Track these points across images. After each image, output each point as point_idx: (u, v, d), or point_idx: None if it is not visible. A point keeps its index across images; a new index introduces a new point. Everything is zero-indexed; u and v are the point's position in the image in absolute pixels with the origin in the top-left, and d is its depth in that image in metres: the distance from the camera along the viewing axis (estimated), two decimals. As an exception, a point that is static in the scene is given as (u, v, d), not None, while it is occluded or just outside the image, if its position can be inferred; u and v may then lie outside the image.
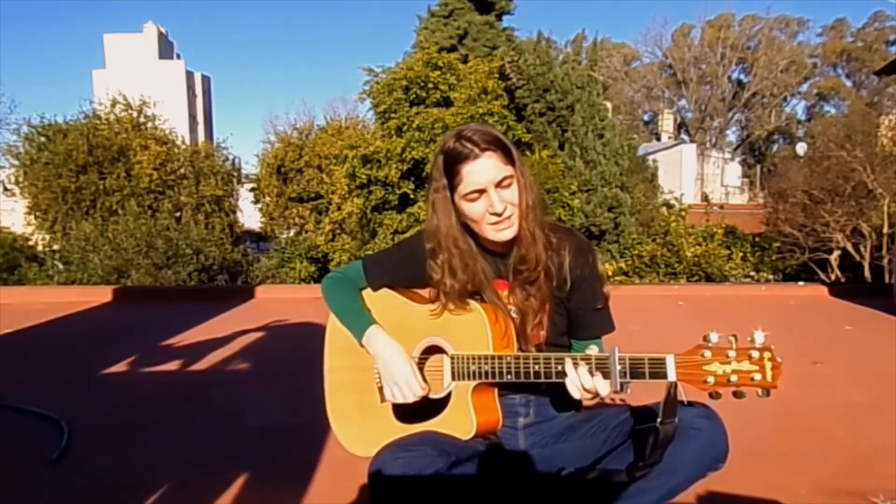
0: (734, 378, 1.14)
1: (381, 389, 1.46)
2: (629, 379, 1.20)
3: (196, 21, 69.22)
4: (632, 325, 4.32)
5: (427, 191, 1.43)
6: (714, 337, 1.15)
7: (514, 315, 1.41)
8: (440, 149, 1.37)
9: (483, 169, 1.31)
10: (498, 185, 1.32)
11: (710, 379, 1.15)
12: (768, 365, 1.13)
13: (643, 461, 1.23)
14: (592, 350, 1.28)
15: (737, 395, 1.15)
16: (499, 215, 1.32)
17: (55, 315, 5.10)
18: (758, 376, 1.13)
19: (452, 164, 1.33)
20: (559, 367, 1.27)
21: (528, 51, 13.11)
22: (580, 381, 1.24)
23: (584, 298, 1.42)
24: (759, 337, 1.14)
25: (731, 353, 1.14)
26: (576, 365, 1.25)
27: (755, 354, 1.13)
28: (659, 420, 1.18)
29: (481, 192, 1.32)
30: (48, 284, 11.32)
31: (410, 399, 1.38)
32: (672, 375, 1.17)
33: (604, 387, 1.23)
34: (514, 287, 1.40)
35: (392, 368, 1.39)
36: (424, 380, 1.40)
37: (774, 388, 1.13)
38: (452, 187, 1.35)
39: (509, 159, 1.34)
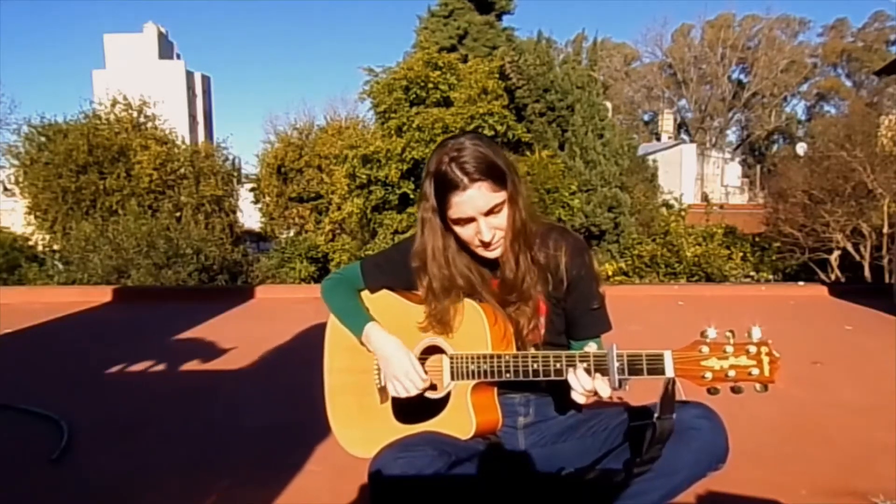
0: (732, 373, 1.14)
1: (381, 390, 1.46)
2: (627, 375, 1.21)
3: (196, 21, 69.26)
4: (632, 326, 4.32)
5: (418, 204, 1.42)
6: (711, 332, 1.15)
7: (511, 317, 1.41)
8: (432, 167, 1.34)
9: (472, 200, 1.30)
10: (487, 213, 1.32)
11: (708, 374, 1.15)
12: (766, 360, 1.13)
13: (640, 457, 1.23)
14: (591, 348, 1.28)
15: (735, 390, 1.15)
16: (487, 244, 1.33)
17: (55, 315, 5.11)
18: (755, 371, 1.13)
19: (443, 190, 1.32)
20: (557, 366, 1.27)
21: (528, 51, 13.10)
22: (582, 387, 1.25)
23: (580, 298, 1.42)
24: (757, 332, 1.14)
25: (729, 349, 1.15)
26: (574, 367, 1.26)
27: (752, 349, 1.14)
28: (656, 416, 1.19)
29: (471, 220, 1.32)
30: (48, 284, 11.31)
31: (413, 392, 1.37)
32: (670, 371, 1.17)
33: (604, 388, 1.24)
34: (505, 305, 1.40)
35: (392, 363, 1.40)
36: (426, 373, 1.40)
37: (772, 383, 1.13)
38: (442, 210, 1.34)
39: (501, 185, 1.32)
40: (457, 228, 1.35)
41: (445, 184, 1.31)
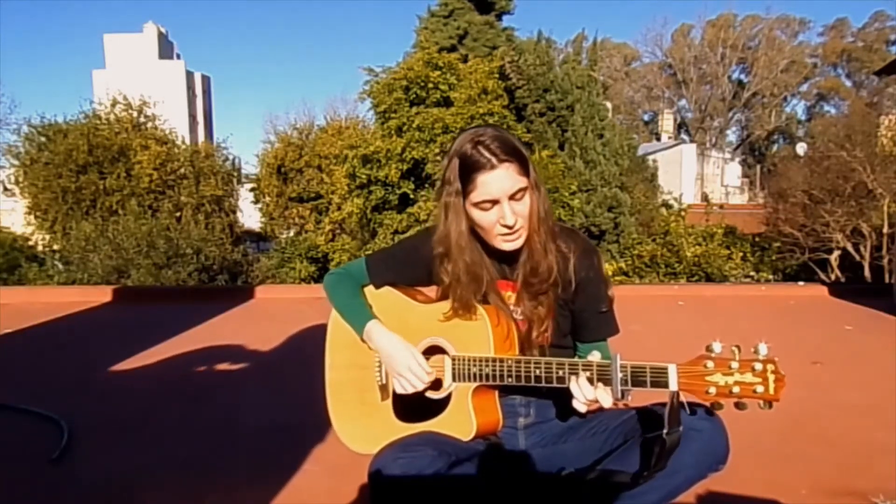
0: (736, 389, 1.13)
1: (381, 388, 1.46)
2: (630, 387, 1.21)
3: (196, 21, 69.24)
4: (632, 326, 4.29)
5: (438, 192, 1.40)
6: (717, 347, 1.14)
7: (520, 318, 1.41)
8: (455, 152, 1.33)
9: (499, 180, 1.29)
10: (511, 197, 1.30)
11: (712, 390, 1.14)
12: (771, 378, 1.12)
13: (648, 470, 1.22)
14: (595, 356, 1.27)
15: (738, 406, 1.14)
16: (509, 228, 1.31)
17: (55, 315, 5.10)
18: (760, 389, 1.12)
19: (468, 170, 1.31)
20: (560, 373, 1.27)
21: (528, 51, 13.11)
22: (584, 396, 1.25)
23: (588, 301, 1.42)
24: (763, 349, 1.13)
25: (734, 365, 1.14)
26: (576, 375, 1.25)
27: (758, 367, 1.13)
28: (665, 431, 1.18)
29: (495, 202, 1.31)
30: (48, 284, 11.31)
31: (420, 387, 1.37)
32: (674, 385, 1.17)
33: (606, 399, 1.23)
34: (523, 295, 1.39)
35: (395, 359, 1.39)
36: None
37: (777, 401, 1.13)
38: (465, 193, 1.33)
39: (524, 170, 1.32)
40: (478, 214, 1.33)
41: (472, 165, 1.30)
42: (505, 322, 1.37)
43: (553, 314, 1.41)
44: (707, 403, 1.17)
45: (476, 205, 1.32)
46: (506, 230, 1.32)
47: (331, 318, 1.55)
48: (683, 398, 1.18)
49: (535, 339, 1.39)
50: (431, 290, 1.50)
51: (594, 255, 1.43)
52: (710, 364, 1.15)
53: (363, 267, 1.54)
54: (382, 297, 1.51)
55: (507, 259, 1.41)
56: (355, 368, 1.50)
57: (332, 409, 1.54)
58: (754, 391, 1.12)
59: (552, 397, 1.44)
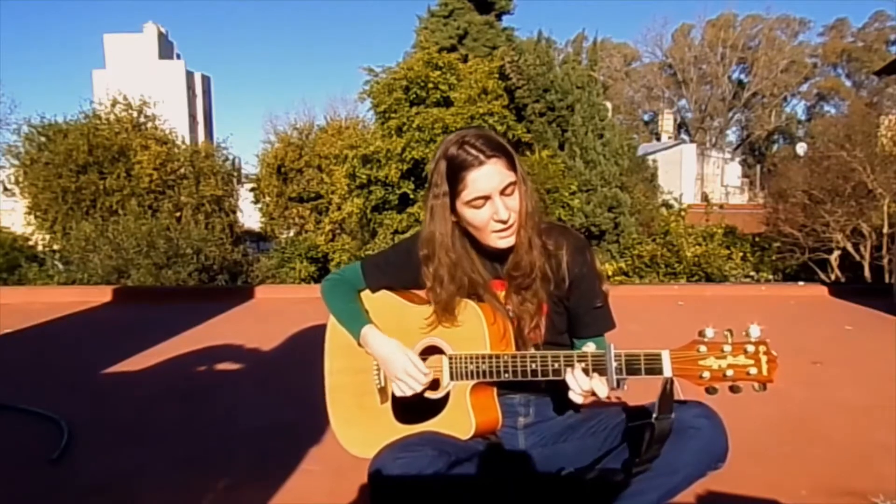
0: (730, 372, 1.14)
1: (380, 391, 1.47)
2: (625, 375, 1.21)
3: (196, 21, 69.25)
4: (632, 325, 4.31)
5: (425, 195, 1.41)
6: (709, 332, 1.15)
7: (511, 315, 1.41)
8: (441, 154, 1.35)
9: (489, 176, 1.30)
10: (502, 192, 1.31)
11: (706, 374, 1.15)
12: (764, 359, 1.13)
13: (639, 458, 1.23)
14: (589, 347, 1.28)
15: (733, 389, 1.15)
16: (504, 223, 1.32)
17: (55, 315, 5.10)
18: (753, 370, 1.13)
19: (456, 170, 1.31)
20: (556, 365, 1.28)
21: (528, 51, 13.10)
22: (580, 387, 1.25)
23: (583, 297, 1.42)
24: (755, 331, 1.14)
25: (727, 348, 1.15)
26: (572, 366, 1.26)
27: (750, 349, 1.14)
28: (654, 416, 1.19)
29: (486, 198, 1.31)
30: (48, 284, 11.30)
31: (418, 388, 1.37)
32: (668, 371, 1.17)
33: (602, 389, 1.24)
34: (510, 292, 1.40)
35: (391, 363, 1.40)
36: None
37: (770, 382, 1.13)
38: (455, 194, 1.33)
39: (512, 165, 1.33)
40: (471, 213, 1.33)
41: (459, 164, 1.31)
42: (501, 321, 1.37)
43: (546, 310, 1.41)
44: (702, 388, 1.17)
45: (468, 203, 1.32)
46: (500, 226, 1.32)
47: (329, 323, 1.55)
48: (678, 387, 1.19)
49: (527, 335, 1.39)
50: (426, 292, 1.50)
51: (587, 250, 1.43)
52: (703, 348, 1.16)
53: (358, 271, 1.54)
54: (379, 300, 1.52)
55: (499, 258, 1.41)
56: (353, 372, 1.50)
57: (332, 414, 1.54)
58: (748, 373, 1.13)
59: (551, 396, 1.44)
